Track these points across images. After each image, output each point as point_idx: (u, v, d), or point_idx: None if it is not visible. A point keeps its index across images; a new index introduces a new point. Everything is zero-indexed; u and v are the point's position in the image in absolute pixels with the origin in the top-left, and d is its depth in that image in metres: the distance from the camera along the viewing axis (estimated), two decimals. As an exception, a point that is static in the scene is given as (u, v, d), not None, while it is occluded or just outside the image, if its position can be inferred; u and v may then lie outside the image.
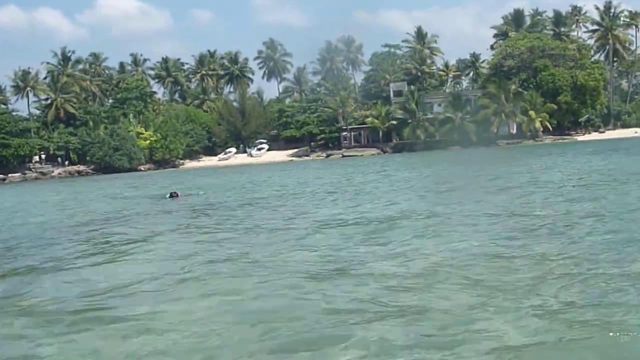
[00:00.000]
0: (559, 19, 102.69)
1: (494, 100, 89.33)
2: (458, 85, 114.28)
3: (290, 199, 27.39)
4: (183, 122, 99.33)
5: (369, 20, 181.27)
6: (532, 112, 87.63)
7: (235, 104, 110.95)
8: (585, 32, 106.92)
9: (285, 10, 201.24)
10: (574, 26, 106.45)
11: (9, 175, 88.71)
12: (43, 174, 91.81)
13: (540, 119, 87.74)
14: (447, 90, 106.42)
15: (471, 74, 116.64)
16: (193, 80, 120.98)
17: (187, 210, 25.57)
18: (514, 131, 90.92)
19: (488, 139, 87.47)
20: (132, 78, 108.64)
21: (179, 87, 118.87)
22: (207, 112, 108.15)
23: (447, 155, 69.59)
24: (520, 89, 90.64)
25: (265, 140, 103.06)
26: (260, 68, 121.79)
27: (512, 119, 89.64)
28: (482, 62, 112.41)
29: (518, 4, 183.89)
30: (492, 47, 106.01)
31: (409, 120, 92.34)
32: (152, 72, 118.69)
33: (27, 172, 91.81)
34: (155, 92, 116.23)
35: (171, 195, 32.05)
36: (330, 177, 41.98)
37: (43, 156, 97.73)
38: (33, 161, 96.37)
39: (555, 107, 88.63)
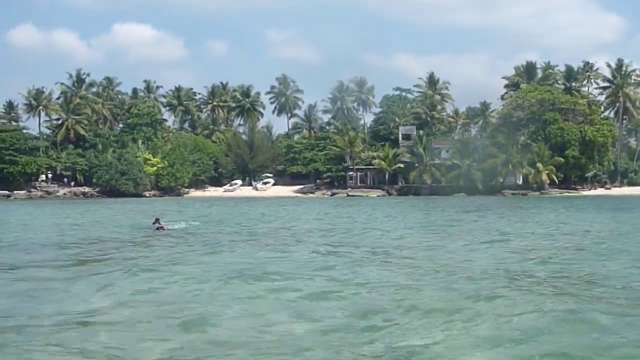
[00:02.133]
0: (570, 74, 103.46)
1: (502, 150, 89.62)
2: (467, 133, 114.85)
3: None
4: (191, 151, 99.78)
5: (380, 62, 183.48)
6: (539, 164, 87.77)
7: (244, 136, 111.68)
8: (596, 88, 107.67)
9: (299, 46, 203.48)
10: (585, 82, 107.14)
11: (14, 192, 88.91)
12: (48, 193, 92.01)
13: (547, 171, 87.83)
14: (456, 137, 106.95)
15: (480, 122, 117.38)
16: (204, 110, 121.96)
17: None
18: (520, 182, 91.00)
19: (494, 188, 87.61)
20: (144, 104, 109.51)
21: (190, 117, 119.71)
22: (215, 142, 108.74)
23: (452, 201, 69.46)
24: (528, 141, 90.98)
25: (271, 175, 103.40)
26: (271, 102, 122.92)
27: (519, 170, 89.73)
28: (491, 111, 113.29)
29: (529, 57, 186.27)
30: (502, 97, 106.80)
31: (416, 164, 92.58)
32: (164, 100, 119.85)
33: (32, 190, 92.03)
34: (165, 120, 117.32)
35: (157, 228, 28.71)
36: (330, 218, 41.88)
37: (50, 175, 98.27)
38: (39, 180, 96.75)
39: (563, 160, 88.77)
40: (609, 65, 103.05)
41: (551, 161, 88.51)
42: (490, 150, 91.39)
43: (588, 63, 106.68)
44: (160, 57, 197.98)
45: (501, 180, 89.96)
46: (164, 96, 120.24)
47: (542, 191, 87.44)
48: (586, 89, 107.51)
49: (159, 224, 28.90)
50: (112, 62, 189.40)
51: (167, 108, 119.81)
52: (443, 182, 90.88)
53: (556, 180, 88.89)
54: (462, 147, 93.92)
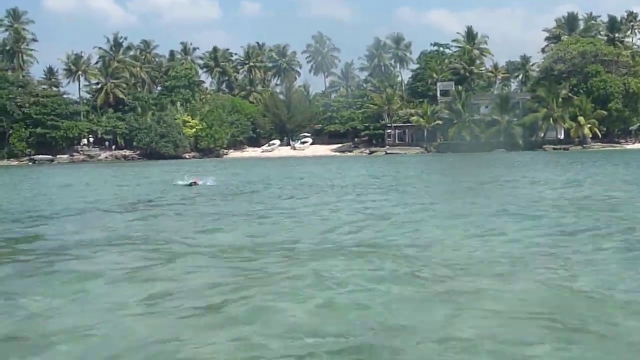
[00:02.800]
0: (613, 24, 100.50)
1: (543, 104, 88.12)
2: (506, 88, 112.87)
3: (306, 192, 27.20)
4: (229, 112, 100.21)
5: (414, 19, 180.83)
6: (581, 118, 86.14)
7: (281, 96, 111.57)
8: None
9: (332, 4, 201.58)
10: (628, 32, 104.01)
11: (57, 156, 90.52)
12: (90, 156, 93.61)
13: (589, 125, 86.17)
14: (495, 92, 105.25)
15: (520, 77, 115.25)
16: (241, 71, 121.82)
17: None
18: (562, 136, 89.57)
19: (534, 143, 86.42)
20: (181, 67, 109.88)
21: (227, 78, 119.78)
22: (253, 103, 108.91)
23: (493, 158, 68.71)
24: (570, 94, 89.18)
25: (309, 134, 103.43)
26: (308, 62, 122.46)
27: (560, 124, 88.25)
28: (532, 65, 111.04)
29: (569, 8, 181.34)
30: (543, 50, 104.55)
31: (455, 121, 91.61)
32: (200, 62, 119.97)
33: (74, 154, 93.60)
34: (203, 82, 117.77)
35: (191, 184, 30.76)
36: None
37: (91, 139, 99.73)
38: (81, 144, 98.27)
39: (605, 113, 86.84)
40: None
41: (593, 115, 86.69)
42: (530, 104, 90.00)
43: (632, 13, 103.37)
44: (195, 18, 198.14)
45: (542, 135, 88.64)
46: (201, 58, 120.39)
47: (584, 145, 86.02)
48: (630, 39, 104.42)
49: (194, 180, 30.73)
50: (147, 25, 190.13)
51: (204, 70, 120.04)
52: (482, 138, 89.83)
53: (599, 134, 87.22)
54: (501, 102, 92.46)
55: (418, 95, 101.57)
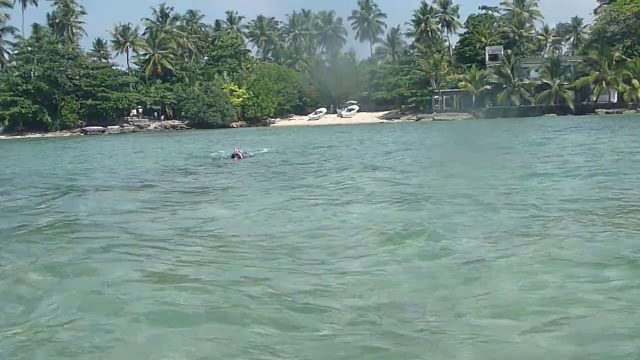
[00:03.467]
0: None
1: (595, 67, 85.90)
2: (557, 51, 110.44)
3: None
4: (275, 80, 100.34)
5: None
6: (635, 81, 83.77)
7: (327, 64, 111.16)
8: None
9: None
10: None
11: (108, 127, 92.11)
12: (140, 127, 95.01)
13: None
14: (546, 56, 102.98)
15: (572, 39, 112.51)
16: (286, 39, 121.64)
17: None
18: (615, 100, 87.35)
19: (586, 108, 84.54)
20: (227, 36, 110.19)
21: (272, 46, 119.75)
22: (299, 71, 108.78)
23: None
24: (623, 56, 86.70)
25: (355, 101, 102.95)
26: (353, 28, 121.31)
27: (613, 88, 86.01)
28: (583, 27, 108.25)
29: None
30: (595, 12, 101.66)
31: (504, 85, 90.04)
32: (246, 30, 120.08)
33: (125, 125, 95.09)
34: (249, 50, 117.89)
35: (232, 156, 28.93)
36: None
37: (140, 110, 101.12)
38: (131, 115, 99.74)
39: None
40: None
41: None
42: (582, 67, 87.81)
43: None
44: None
45: (594, 99, 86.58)
46: (247, 27, 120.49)
47: (638, 109, 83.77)
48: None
49: (237, 152, 29.25)
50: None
51: (250, 39, 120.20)
52: (532, 102, 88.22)
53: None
54: (552, 66, 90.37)
55: (466, 60, 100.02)
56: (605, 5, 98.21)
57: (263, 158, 29.92)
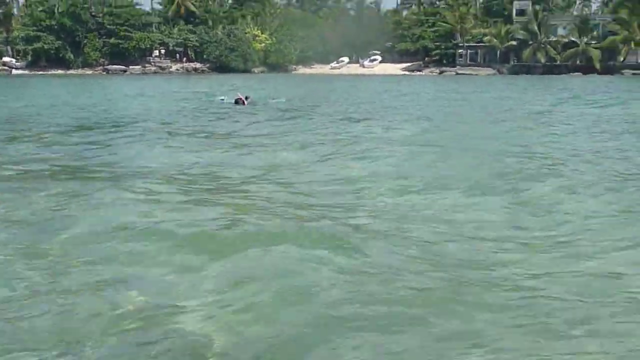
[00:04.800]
0: None
1: (625, 26, 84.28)
2: (587, 9, 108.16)
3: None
4: (299, 27, 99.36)
5: None
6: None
7: (352, 12, 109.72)
8: None
9: None
10: None
11: (130, 67, 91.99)
12: (162, 68, 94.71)
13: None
14: (575, 13, 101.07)
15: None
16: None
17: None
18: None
19: (613, 68, 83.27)
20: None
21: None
22: (322, 19, 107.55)
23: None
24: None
25: (378, 52, 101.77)
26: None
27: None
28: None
29: None
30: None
31: (530, 42, 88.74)
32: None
33: (147, 65, 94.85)
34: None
35: (236, 102, 28.07)
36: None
37: (162, 51, 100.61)
38: (153, 55, 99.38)
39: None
40: None
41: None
42: (612, 27, 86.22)
43: None
44: None
45: (622, 59, 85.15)
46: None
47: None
48: None
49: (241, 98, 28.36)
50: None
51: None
52: (558, 60, 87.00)
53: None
54: (580, 24, 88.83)
55: (493, 15, 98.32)
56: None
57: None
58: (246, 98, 28.53)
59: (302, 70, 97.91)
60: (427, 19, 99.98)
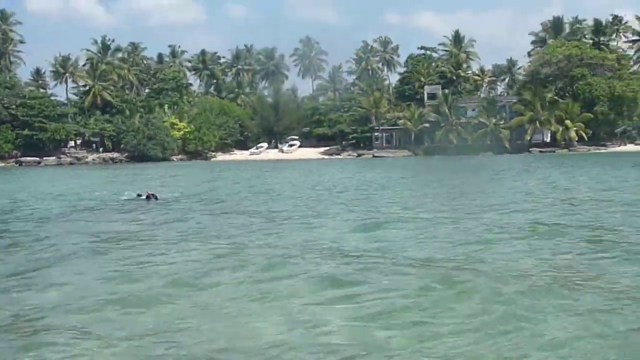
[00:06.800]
0: (598, 28, 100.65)
1: (529, 107, 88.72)
2: (493, 91, 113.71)
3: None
4: (217, 114, 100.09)
5: (401, 21, 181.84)
6: (567, 121, 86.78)
7: (269, 99, 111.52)
8: (625, 42, 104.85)
9: (319, 7, 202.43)
10: (614, 35, 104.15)
11: (44, 158, 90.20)
12: (78, 159, 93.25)
13: (575, 128, 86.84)
14: (482, 95, 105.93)
15: (507, 80, 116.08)
16: (229, 74, 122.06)
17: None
18: (548, 139, 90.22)
19: (521, 147, 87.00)
20: (170, 69, 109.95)
21: (215, 80, 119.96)
22: (241, 106, 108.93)
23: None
24: (556, 97, 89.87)
25: (297, 137, 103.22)
26: (295, 65, 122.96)
27: (546, 127, 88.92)
28: (518, 68, 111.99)
29: (555, 11, 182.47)
30: (529, 54, 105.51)
31: (442, 124, 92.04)
32: (189, 64, 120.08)
33: (62, 156, 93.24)
34: (191, 84, 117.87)
35: (147, 197, 27.20)
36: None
37: (79, 142, 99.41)
38: (68, 146, 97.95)
39: (591, 116, 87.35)
40: (638, 18, 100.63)
41: (579, 118, 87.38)
42: (517, 107, 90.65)
43: (617, 16, 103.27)
44: (181, 21, 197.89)
45: (528, 138, 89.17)
46: (189, 60, 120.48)
47: (571, 148, 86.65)
48: (615, 43, 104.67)
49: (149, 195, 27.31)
50: (133, 27, 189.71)
51: (193, 72, 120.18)
52: (469, 141, 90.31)
53: (585, 137, 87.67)
54: (488, 106, 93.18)
55: (405, 99, 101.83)
56: (539, 48, 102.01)
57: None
58: (153, 195, 27.38)
59: (221, 157, 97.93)
60: (343, 105, 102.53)
